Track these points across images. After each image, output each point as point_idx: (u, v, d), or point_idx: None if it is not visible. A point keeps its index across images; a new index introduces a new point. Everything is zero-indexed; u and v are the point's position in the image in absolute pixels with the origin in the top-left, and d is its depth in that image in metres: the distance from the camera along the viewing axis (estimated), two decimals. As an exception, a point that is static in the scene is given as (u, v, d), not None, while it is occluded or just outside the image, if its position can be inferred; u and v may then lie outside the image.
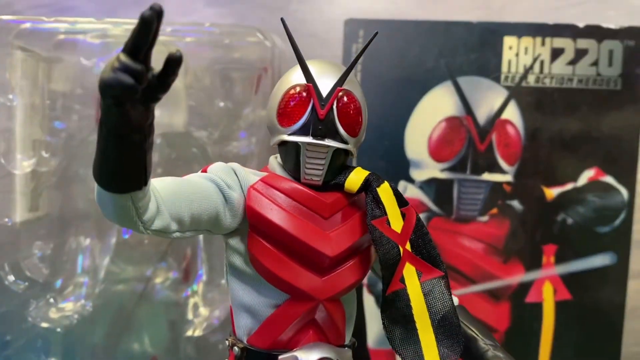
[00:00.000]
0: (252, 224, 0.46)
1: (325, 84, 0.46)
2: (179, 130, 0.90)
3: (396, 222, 0.48)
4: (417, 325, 0.48)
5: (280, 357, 0.47)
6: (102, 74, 0.34)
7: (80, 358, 0.92)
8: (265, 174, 0.49)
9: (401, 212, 0.48)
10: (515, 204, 0.84)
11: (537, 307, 0.85)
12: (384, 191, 0.47)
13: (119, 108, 0.35)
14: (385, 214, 0.47)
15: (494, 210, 0.84)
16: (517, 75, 0.82)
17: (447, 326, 0.48)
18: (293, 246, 0.46)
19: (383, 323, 0.49)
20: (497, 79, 0.83)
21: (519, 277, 0.85)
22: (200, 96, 0.86)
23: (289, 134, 0.47)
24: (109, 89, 0.34)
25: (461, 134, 0.83)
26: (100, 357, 0.98)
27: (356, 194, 0.49)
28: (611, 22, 0.81)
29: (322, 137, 0.46)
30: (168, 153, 0.91)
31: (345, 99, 0.47)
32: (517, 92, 0.83)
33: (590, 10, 0.91)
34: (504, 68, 0.83)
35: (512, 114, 0.83)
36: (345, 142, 0.48)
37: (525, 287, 0.85)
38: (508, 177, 0.84)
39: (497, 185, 0.84)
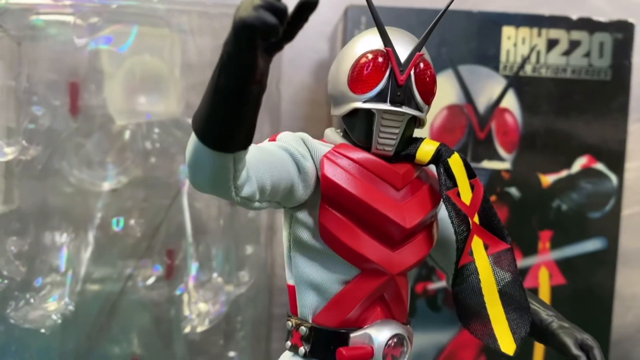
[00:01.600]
0: (325, 195, 0.44)
1: (403, 50, 0.45)
2: (174, 117, 0.86)
3: (465, 194, 0.47)
4: (486, 299, 0.47)
5: (352, 335, 0.45)
6: (240, 12, 0.31)
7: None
8: (332, 145, 0.47)
9: (470, 184, 0.47)
10: (513, 191, 0.86)
11: (533, 293, 0.87)
12: (455, 162, 0.46)
13: (250, 53, 0.32)
14: (456, 185, 0.46)
15: (493, 198, 0.85)
16: (515, 64, 0.84)
17: (515, 300, 0.48)
18: (368, 217, 0.44)
19: (454, 298, 0.48)
20: (495, 69, 0.84)
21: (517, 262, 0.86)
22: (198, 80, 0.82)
23: (364, 101, 0.45)
24: (247, 30, 0.31)
25: (462, 122, 0.84)
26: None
27: (425, 165, 0.48)
28: (602, 15, 0.85)
29: (400, 104, 0.45)
30: (163, 140, 0.87)
31: (422, 65, 0.46)
32: (515, 82, 0.84)
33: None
34: (503, 57, 0.84)
35: (510, 102, 0.85)
36: (420, 110, 0.47)
37: (522, 273, 0.86)
38: (506, 165, 0.85)
39: (496, 172, 0.85)
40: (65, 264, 0.85)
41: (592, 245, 0.87)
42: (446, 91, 0.83)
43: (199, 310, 0.84)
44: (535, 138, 0.85)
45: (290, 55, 0.92)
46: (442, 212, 0.51)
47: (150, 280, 0.92)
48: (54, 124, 0.84)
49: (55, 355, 0.85)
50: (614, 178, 0.86)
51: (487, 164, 0.85)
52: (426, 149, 0.46)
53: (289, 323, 0.47)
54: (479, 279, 0.47)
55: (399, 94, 0.44)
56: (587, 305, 0.87)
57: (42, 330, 0.78)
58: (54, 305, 0.81)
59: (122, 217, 0.89)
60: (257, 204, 0.42)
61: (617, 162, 0.86)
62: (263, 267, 0.87)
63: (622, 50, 0.85)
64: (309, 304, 0.46)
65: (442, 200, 0.47)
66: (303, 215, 0.45)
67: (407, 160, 0.47)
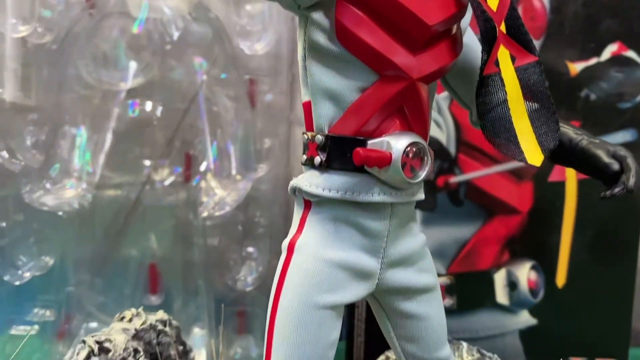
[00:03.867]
0: (343, -13, 0.42)
1: None
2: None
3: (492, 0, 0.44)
4: (512, 112, 0.45)
5: (369, 141, 0.43)
6: None
7: (78, 254, 0.85)
8: None
9: None
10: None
11: (560, 186, 0.84)
12: None
13: None
14: None
15: (518, 87, 0.82)
16: (543, -54, 0.81)
17: (543, 113, 0.45)
18: (390, 13, 0.42)
19: (477, 110, 0.45)
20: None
21: (543, 154, 0.83)
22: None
23: None
24: None
25: (486, 6, 0.81)
26: (97, 263, 0.91)
27: None
28: None
29: None
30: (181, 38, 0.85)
31: None
32: (543, -36, 0.81)
33: None
34: (530, -61, 0.81)
35: (537, -14, 0.81)
36: None
37: (548, 166, 0.83)
38: (533, 52, 0.82)
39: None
40: (81, 157, 0.84)
41: (621, 137, 0.83)
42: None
43: (216, 196, 0.82)
44: (564, 24, 0.82)
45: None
46: (466, 38, 0.48)
47: (169, 181, 0.91)
48: (70, 13, 0.82)
49: (74, 249, 0.85)
50: (645, 66, 0.83)
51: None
52: None
53: (305, 137, 0.45)
54: (505, 92, 0.45)
55: None
56: (616, 199, 0.84)
57: (60, 213, 0.77)
58: (70, 193, 0.80)
59: (138, 111, 0.88)
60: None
61: (649, 49, 0.83)
62: (281, 160, 0.85)
63: None
64: (325, 114, 0.44)
65: (468, 2, 0.44)
66: (318, 16, 0.43)
67: None
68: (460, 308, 0.85)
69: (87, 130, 0.85)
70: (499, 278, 0.85)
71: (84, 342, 0.57)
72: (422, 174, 0.45)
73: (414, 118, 0.45)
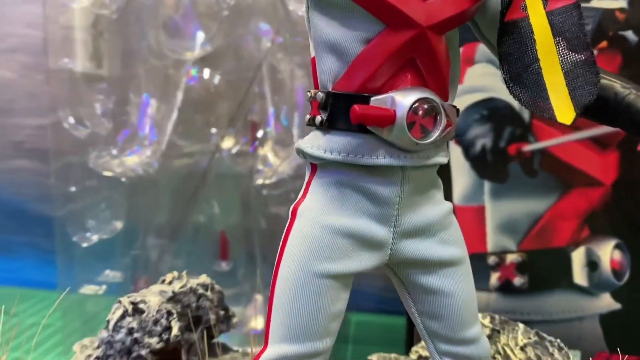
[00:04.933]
0: None
1: None
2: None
3: None
4: (542, 64, 0.39)
5: (373, 98, 0.39)
6: None
7: (146, 218, 0.88)
8: None
9: None
10: (630, 35, 0.73)
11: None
12: None
13: None
14: None
15: (603, 44, 0.73)
16: None
17: (580, 64, 0.39)
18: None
19: (500, 62, 0.40)
20: None
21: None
22: None
23: None
24: None
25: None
26: (167, 230, 0.94)
27: None
28: None
29: None
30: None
31: None
32: None
33: None
34: None
35: None
36: None
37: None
38: (621, 3, 0.72)
39: (609, 12, 0.73)
40: (148, 125, 0.86)
41: None
42: None
43: (272, 165, 0.81)
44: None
45: None
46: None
47: (235, 149, 0.92)
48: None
49: (143, 215, 0.88)
50: None
51: (597, 3, 0.73)
52: None
53: (308, 94, 0.42)
54: (534, 40, 0.39)
55: None
56: None
57: (123, 179, 0.80)
58: (134, 160, 0.82)
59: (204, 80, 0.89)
60: None
61: None
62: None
63: None
64: (328, 69, 0.41)
65: None
66: (320, -36, 0.40)
67: None
68: (533, 288, 0.78)
69: (155, 99, 0.87)
70: (577, 257, 0.77)
71: (119, 301, 0.58)
72: (434, 135, 0.40)
73: (429, 73, 0.41)
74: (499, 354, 0.61)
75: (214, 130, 0.91)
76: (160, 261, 0.91)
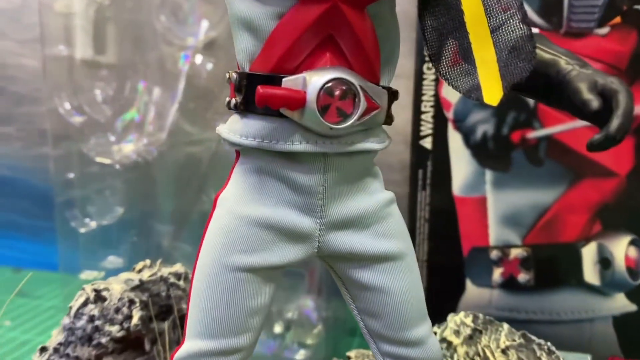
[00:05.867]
0: None
1: None
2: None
3: None
4: (472, 37, 0.35)
5: (285, 79, 0.36)
6: None
7: (146, 208, 0.87)
8: None
9: None
10: (646, 9, 0.66)
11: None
12: None
13: None
14: None
15: (617, 20, 0.67)
16: None
17: (511, 37, 0.34)
18: None
19: (424, 36, 0.36)
20: None
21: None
22: None
23: None
24: None
25: None
26: (173, 217, 0.94)
27: None
28: None
29: None
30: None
31: None
32: None
33: None
34: None
35: None
36: None
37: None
38: (637, -26, 0.65)
39: (622, -15, 0.66)
40: (146, 111, 0.86)
41: None
42: None
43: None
44: None
45: None
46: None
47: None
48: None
49: (141, 199, 0.88)
50: None
51: (609, -25, 0.66)
52: None
53: (226, 76, 0.40)
54: (462, 10, 0.35)
55: None
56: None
57: (117, 167, 0.80)
58: (130, 147, 0.82)
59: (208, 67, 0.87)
60: None
61: None
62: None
63: None
64: (243, 48, 0.38)
65: None
66: None
67: None
68: (539, 285, 0.72)
69: (156, 87, 0.86)
70: (588, 253, 0.71)
71: (83, 288, 0.58)
72: (351, 119, 0.37)
73: (351, 51, 0.37)
74: (479, 355, 0.57)
75: (217, 118, 0.89)
76: (165, 248, 0.91)
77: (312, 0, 0.36)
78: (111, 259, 0.86)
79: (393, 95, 0.40)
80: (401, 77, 0.70)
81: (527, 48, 0.34)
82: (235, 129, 0.39)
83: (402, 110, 0.64)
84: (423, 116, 0.72)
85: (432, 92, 0.72)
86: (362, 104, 0.36)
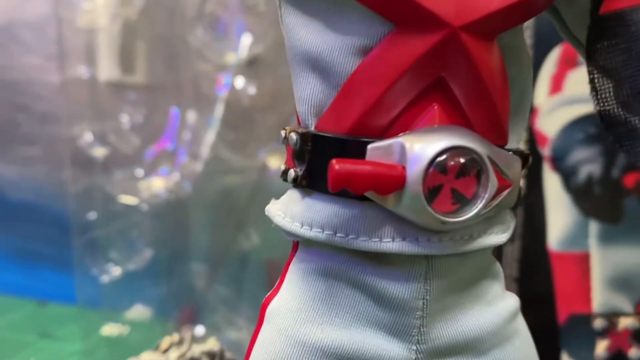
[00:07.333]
0: None
1: None
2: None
3: None
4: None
5: (371, 145, 0.24)
6: None
7: (178, 248, 0.77)
8: None
9: None
10: None
11: None
12: None
13: None
14: None
15: None
16: None
17: None
18: None
19: (589, 75, 0.24)
20: None
21: None
22: None
23: None
24: None
25: None
26: (209, 255, 0.84)
27: None
28: None
29: None
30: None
31: None
32: None
33: None
34: None
35: None
36: None
37: None
38: None
39: None
40: (181, 140, 0.75)
41: None
42: None
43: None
44: None
45: None
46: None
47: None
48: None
49: (172, 242, 0.78)
50: None
51: None
52: None
53: (282, 133, 0.28)
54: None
55: None
56: None
57: (145, 209, 0.69)
58: (160, 183, 0.71)
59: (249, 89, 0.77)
60: None
61: None
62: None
63: None
64: (307, 96, 0.26)
65: None
66: None
67: None
68: (656, 364, 0.59)
69: (191, 110, 0.76)
70: None
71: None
72: (476, 207, 0.24)
73: (470, 101, 0.24)
74: None
75: (259, 144, 0.79)
76: (199, 291, 0.81)
77: (418, 26, 0.23)
78: (137, 308, 0.75)
79: (525, 160, 0.27)
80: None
81: None
82: (294, 212, 0.26)
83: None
84: (512, 153, 0.60)
85: (523, 125, 0.59)
86: (493, 183, 0.24)
